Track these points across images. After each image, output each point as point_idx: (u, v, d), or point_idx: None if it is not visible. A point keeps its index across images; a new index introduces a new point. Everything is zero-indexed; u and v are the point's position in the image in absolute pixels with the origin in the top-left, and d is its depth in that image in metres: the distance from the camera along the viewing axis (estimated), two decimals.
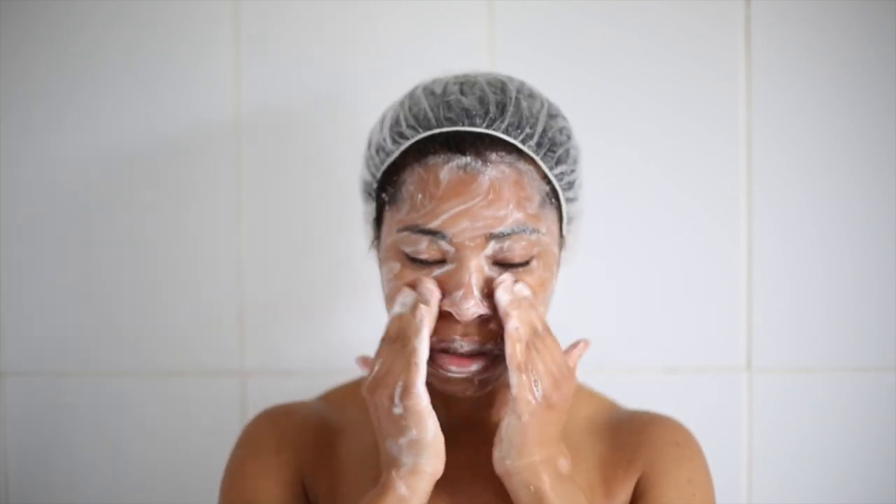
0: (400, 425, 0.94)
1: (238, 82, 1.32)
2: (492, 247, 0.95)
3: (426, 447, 0.94)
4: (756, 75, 1.29)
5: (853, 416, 1.30)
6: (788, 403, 1.30)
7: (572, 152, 1.02)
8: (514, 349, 0.94)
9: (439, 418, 1.03)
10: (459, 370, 0.97)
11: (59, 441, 1.35)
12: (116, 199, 1.34)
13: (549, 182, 0.99)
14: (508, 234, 0.95)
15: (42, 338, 1.34)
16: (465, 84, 1.00)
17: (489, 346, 0.97)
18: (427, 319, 0.94)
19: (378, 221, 1.02)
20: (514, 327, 0.94)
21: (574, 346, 1.03)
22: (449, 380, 0.98)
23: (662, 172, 1.31)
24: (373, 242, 1.05)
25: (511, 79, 1.02)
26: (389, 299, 0.99)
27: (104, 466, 1.34)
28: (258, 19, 1.32)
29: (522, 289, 0.96)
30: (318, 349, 1.33)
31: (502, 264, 0.96)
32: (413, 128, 0.98)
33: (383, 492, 0.94)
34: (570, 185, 1.02)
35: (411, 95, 1.01)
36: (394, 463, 0.95)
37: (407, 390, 0.93)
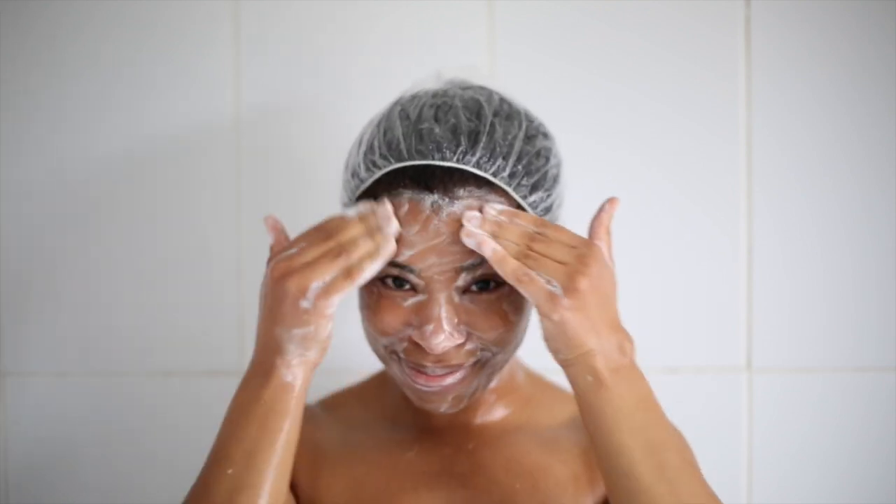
0: (300, 318, 0.92)
1: (238, 82, 1.32)
2: (463, 278, 0.94)
3: (318, 342, 0.93)
4: (756, 75, 1.29)
5: (853, 416, 1.30)
6: (788, 403, 1.31)
7: (551, 173, 1.00)
8: (503, 268, 0.92)
9: (420, 420, 1.04)
10: (428, 385, 0.97)
11: (59, 441, 1.35)
12: (117, 200, 1.34)
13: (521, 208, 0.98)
14: (479, 264, 0.94)
15: (42, 338, 1.35)
16: (441, 108, 0.97)
17: (466, 364, 0.97)
18: (386, 254, 0.93)
19: None
20: (492, 250, 0.92)
21: (600, 210, 1.00)
22: (420, 394, 0.98)
23: (662, 173, 1.31)
24: None
25: (490, 97, 1.00)
26: (367, 320, 0.99)
27: (104, 466, 1.34)
28: (258, 19, 1.32)
29: (490, 209, 0.94)
30: None
31: (476, 283, 0.95)
32: (385, 157, 0.96)
33: (268, 377, 0.94)
34: (547, 210, 1.00)
35: (388, 116, 1.00)
36: (277, 349, 0.94)
37: (327, 294, 0.91)
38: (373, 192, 0.97)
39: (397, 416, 1.08)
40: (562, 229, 0.94)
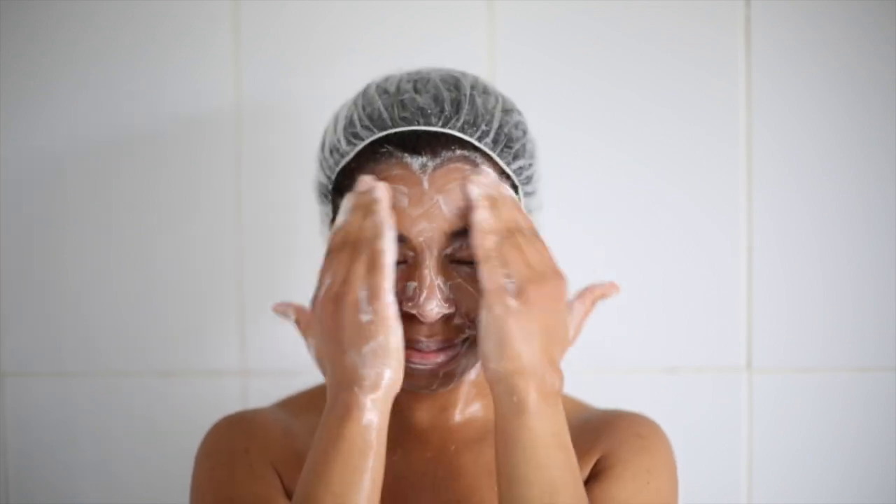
0: (366, 332, 0.88)
1: (238, 82, 1.32)
2: (452, 246, 0.94)
3: (392, 353, 0.89)
4: (756, 75, 1.29)
5: (853, 416, 1.30)
6: (788, 403, 1.30)
7: (529, 147, 1.01)
8: (482, 240, 0.90)
9: (402, 420, 1.01)
10: (423, 362, 0.95)
11: (59, 441, 1.35)
12: (117, 200, 1.34)
13: (507, 177, 0.98)
14: (458, 235, 0.93)
15: (42, 338, 1.34)
16: (419, 82, 0.98)
17: (457, 340, 0.96)
18: (388, 219, 0.90)
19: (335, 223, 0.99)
20: (482, 218, 0.90)
21: (599, 284, 1.00)
22: (413, 373, 0.95)
23: (662, 172, 1.31)
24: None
25: (465, 74, 1.01)
26: None
27: (104, 466, 1.34)
28: (258, 17, 1.32)
29: (503, 189, 0.93)
30: None
31: (463, 262, 0.94)
32: (367, 128, 0.96)
33: (347, 413, 0.88)
34: (529, 180, 1.01)
35: (364, 94, 1.00)
36: (353, 378, 0.89)
37: (375, 294, 0.88)
38: (355, 165, 0.96)
39: None
40: (544, 245, 0.94)
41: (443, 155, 0.94)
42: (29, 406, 1.35)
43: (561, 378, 0.91)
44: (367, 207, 0.92)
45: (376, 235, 0.90)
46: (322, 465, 0.89)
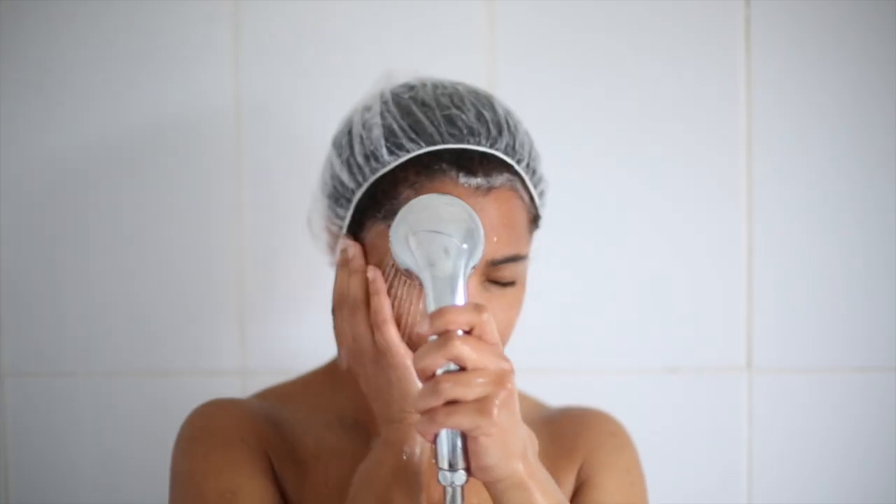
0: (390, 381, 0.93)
1: (237, 81, 1.32)
2: (487, 270, 0.95)
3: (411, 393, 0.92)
4: (756, 76, 1.29)
5: (853, 416, 1.30)
6: (788, 403, 1.30)
7: (541, 165, 1.02)
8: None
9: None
10: None
11: (59, 441, 1.35)
12: (117, 200, 1.33)
13: (532, 200, 0.99)
14: (502, 262, 0.94)
15: (42, 338, 1.34)
16: (453, 96, 0.98)
17: None
18: (379, 282, 0.93)
19: (354, 229, 0.99)
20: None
21: None
22: None
23: (663, 172, 1.31)
24: (334, 247, 1.03)
25: (485, 92, 1.02)
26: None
27: (104, 466, 1.34)
28: (258, 18, 1.32)
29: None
30: (319, 349, 1.33)
31: (492, 282, 0.96)
32: (414, 141, 0.95)
33: (391, 448, 0.93)
34: (542, 195, 1.02)
35: (397, 104, 0.98)
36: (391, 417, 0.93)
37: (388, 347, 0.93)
38: (402, 178, 0.95)
39: (358, 415, 1.05)
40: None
41: (493, 177, 0.94)
42: (29, 406, 1.35)
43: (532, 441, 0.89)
44: (360, 272, 0.95)
45: (373, 293, 0.93)
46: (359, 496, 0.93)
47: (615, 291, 1.31)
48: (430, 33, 1.31)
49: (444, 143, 0.95)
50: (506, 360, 0.83)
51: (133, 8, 1.32)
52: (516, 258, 0.95)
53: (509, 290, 0.96)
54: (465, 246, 0.85)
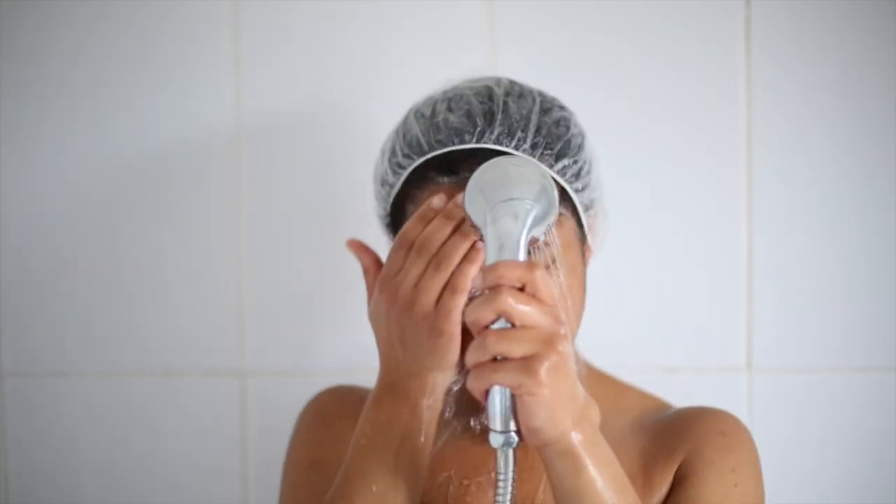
0: (427, 344, 0.87)
1: (237, 81, 1.32)
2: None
3: (449, 363, 0.88)
4: (756, 75, 1.29)
5: (853, 416, 1.30)
6: (788, 403, 1.30)
7: (574, 141, 1.00)
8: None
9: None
10: None
11: (59, 441, 1.35)
12: (117, 201, 1.34)
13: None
14: None
15: (42, 338, 1.34)
16: (454, 100, 0.99)
17: None
18: (481, 254, 0.86)
19: None
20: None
21: None
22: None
23: (663, 172, 1.31)
24: None
25: (498, 82, 1.01)
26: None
27: (104, 466, 1.34)
28: (258, 25, 1.31)
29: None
30: (319, 349, 1.33)
31: None
32: (408, 156, 0.97)
33: (405, 398, 0.89)
34: (577, 176, 1.00)
35: (405, 122, 1.01)
36: (409, 374, 0.89)
37: (447, 315, 0.86)
38: (405, 195, 0.98)
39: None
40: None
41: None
42: (29, 406, 1.35)
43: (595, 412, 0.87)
44: (456, 222, 0.88)
45: (468, 260, 0.86)
46: (375, 441, 0.91)
47: (615, 291, 1.31)
48: (430, 33, 1.31)
49: (430, 150, 0.96)
50: (560, 322, 0.82)
51: (133, 8, 1.32)
52: None
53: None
54: (533, 207, 0.85)
